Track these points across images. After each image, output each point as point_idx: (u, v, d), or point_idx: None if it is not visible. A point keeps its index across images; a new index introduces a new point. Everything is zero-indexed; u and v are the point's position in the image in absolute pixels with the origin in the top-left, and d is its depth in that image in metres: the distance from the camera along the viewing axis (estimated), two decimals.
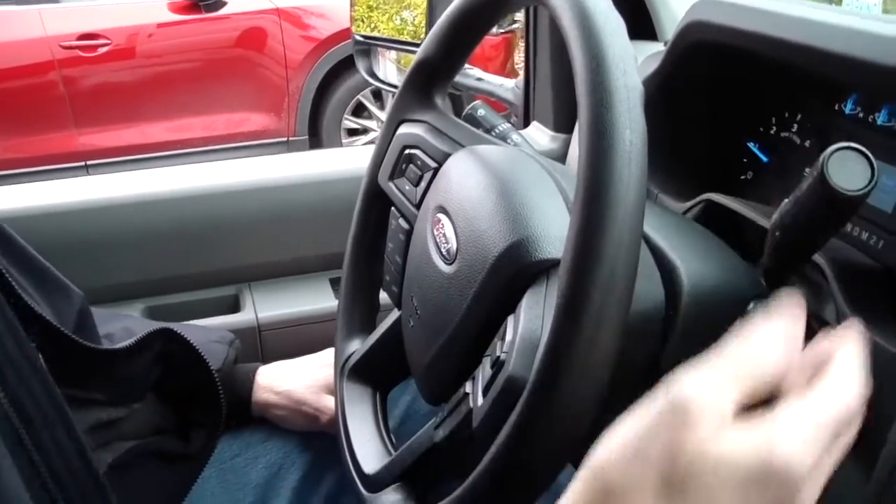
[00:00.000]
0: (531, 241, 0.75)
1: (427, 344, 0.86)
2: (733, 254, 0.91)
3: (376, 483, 0.91)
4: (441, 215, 0.87)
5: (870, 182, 0.69)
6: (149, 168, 1.67)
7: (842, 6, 1.46)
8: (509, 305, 0.75)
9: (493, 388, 0.71)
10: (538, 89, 1.71)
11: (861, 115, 1.00)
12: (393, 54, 2.02)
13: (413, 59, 1.02)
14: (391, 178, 1.03)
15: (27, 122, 5.14)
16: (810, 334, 0.83)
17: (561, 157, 1.63)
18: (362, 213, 1.09)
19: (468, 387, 0.77)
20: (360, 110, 5.79)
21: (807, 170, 0.74)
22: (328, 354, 1.19)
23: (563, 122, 1.66)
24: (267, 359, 1.26)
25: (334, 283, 1.62)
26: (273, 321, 1.55)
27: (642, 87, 0.65)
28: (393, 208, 1.02)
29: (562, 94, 1.64)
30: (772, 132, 1.14)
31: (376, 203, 1.07)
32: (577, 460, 0.72)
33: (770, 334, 0.55)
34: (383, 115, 5.37)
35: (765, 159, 1.15)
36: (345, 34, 4.98)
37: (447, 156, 0.94)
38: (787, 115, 1.11)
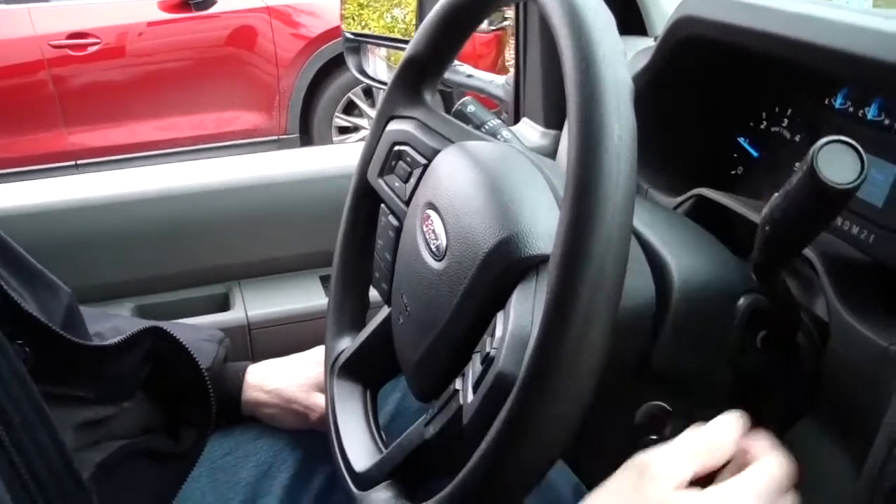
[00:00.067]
0: (521, 238, 0.75)
1: (417, 341, 0.86)
2: (724, 249, 0.91)
3: (367, 481, 0.91)
4: (430, 212, 0.87)
5: (859, 175, 0.69)
6: (139, 167, 1.66)
7: (832, 1, 1.46)
8: (499, 302, 0.75)
9: (482, 385, 0.71)
10: (528, 86, 1.71)
11: (851, 109, 1.00)
12: (383, 51, 2.02)
13: (402, 55, 1.01)
14: (381, 174, 1.03)
15: (16, 122, 5.13)
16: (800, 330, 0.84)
17: (551, 153, 1.63)
18: (352, 210, 1.09)
19: (458, 383, 0.77)
20: (350, 108, 5.79)
21: (797, 164, 0.73)
22: (318, 352, 1.19)
23: (554, 119, 1.66)
24: (257, 357, 1.26)
25: (324, 280, 1.62)
26: (263, 319, 1.54)
27: (632, 82, 0.65)
28: (382, 205, 1.02)
29: (552, 90, 1.64)
30: (762, 127, 1.14)
31: (366, 200, 1.07)
32: (567, 456, 0.72)
33: (720, 429, 0.73)
34: (374, 113, 5.38)
35: (755, 154, 1.15)
36: (335, 32, 4.97)
37: (436, 152, 0.94)
38: (777, 109, 1.11)
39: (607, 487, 0.72)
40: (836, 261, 0.91)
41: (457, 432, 0.76)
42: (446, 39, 0.97)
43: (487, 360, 0.71)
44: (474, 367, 0.74)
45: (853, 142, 0.70)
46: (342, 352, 1.07)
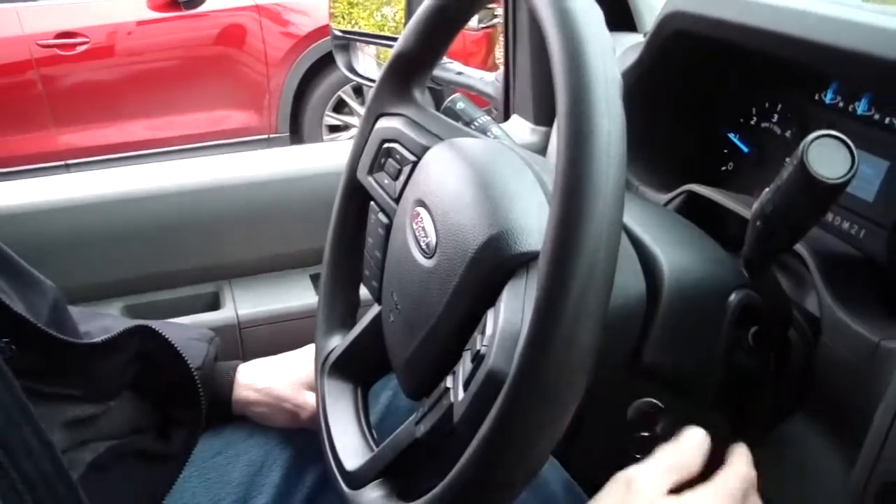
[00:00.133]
0: (511, 234, 0.75)
1: (407, 339, 0.86)
2: (715, 245, 0.91)
3: (358, 479, 0.91)
4: (420, 209, 0.86)
5: (850, 170, 0.69)
6: (128, 166, 1.65)
7: None
8: (489, 299, 0.75)
9: (473, 383, 0.71)
10: (518, 82, 1.71)
11: (841, 104, 1.00)
12: (372, 49, 2.02)
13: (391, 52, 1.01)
14: (370, 172, 1.02)
15: (5, 122, 5.10)
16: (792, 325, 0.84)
17: (541, 149, 1.62)
18: (342, 208, 1.08)
19: (449, 381, 0.76)
20: (341, 106, 5.78)
21: (787, 159, 0.73)
22: (309, 351, 1.18)
23: (544, 115, 1.66)
24: (247, 356, 1.25)
25: (315, 279, 1.62)
26: (253, 318, 1.54)
27: (621, 78, 0.65)
28: (372, 203, 1.02)
29: (542, 86, 1.64)
30: (752, 123, 1.14)
31: (355, 198, 1.06)
32: (559, 453, 0.72)
33: (690, 445, 0.80)
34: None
35: (745, 150, 1.15)
36: (325, 30, 4.93)
37: (426, 149, 0.93)
38: (767, 105, 1.11)
39: (597, 498, 0.77)
40: (827, 256, 0.91)
41: (447, 430, 0.75)
42: (435, 35, 0.96)
43: (478, 358, 0.71)
44: (465, 365, 0.73)
45: (843, 136, 0.70)
46: (333, 350, 1.07)
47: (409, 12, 1.79)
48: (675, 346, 0.81)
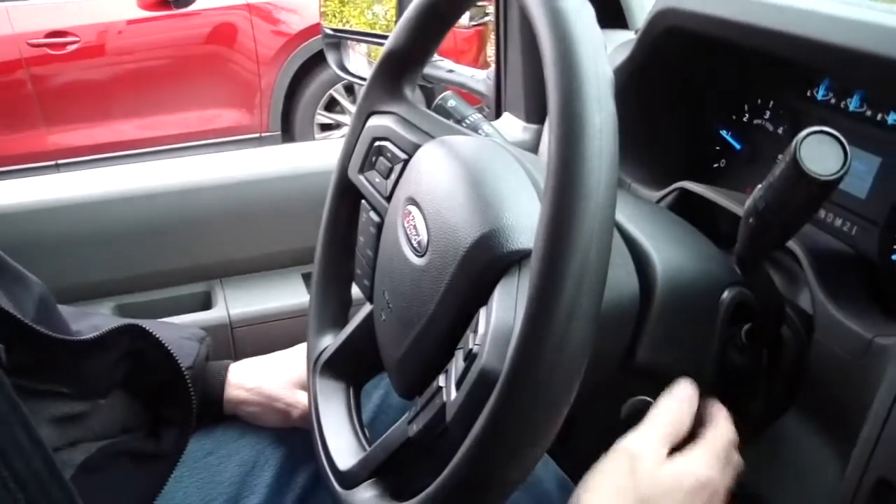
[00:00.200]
0: (502, 232, 0.74)
1: (399, 338, 0.85)
2: (707, 242, 0.91)
3: (351, 479, 0.90)
4: (411, 207, 0.86)
5: (843, 166, 0.69)
6: (119, 166, 1.65)
7: None
8: (481, 297, 0.74)
9: (466, 382, 0.70)
10: (509, 80, 1.71)
11: (833, 101, 1.00)
12: (363, 47, 2.01)
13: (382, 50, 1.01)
14: (361, 170, 1.02)
15: None
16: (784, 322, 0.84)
17: (533, 147, 1.62)
18: (333, 206, 1.08)
19: (441, 380, 0.76)
20: (332, 105, 5.78)
21: (780, 156, 0.73)
22: (301, 350, 1.18)
23: (535, 113, 1.66)
24: (239, 356, 1.25)
25: (306, 278, 1.62)
26: (245, 317, 1.54)
27: (612, 75, 0.65)
28: (363, 201, 1.01)
29: (533, 84, 1.64)
30: (744, 119, 1.14)
31: (347, 196, 1.06)
32: (552, 451, 0.71)
33: (679, 407, 0.82)
34: None
35: (738, 146, 1.15)
36: (316, 29, 4.92)
37: (417, 147, 0.93)
38: (759, 101, 1.11)
39: (601, 471, 0.78)
40: (819, 253, 0.91)
41: (440, 430, 0.75)
42: (426, 33, 0.96)
43: (470, 357, 0.71)
44: (457, 364, 0.73)
45: (836, 132, 0.70)
46: (325, 349, 1.07)
47: (399, 10, 1.78)
48: (668, 344, 0.81)
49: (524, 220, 0.75)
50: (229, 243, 1.58)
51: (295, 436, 1.15)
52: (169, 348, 1.09)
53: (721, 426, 0.83)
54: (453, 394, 0.72)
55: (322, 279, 1.09)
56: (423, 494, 0.73)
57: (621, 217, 0.84)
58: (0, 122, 5.09)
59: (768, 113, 1.10)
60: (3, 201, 1.45)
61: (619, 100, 0.64)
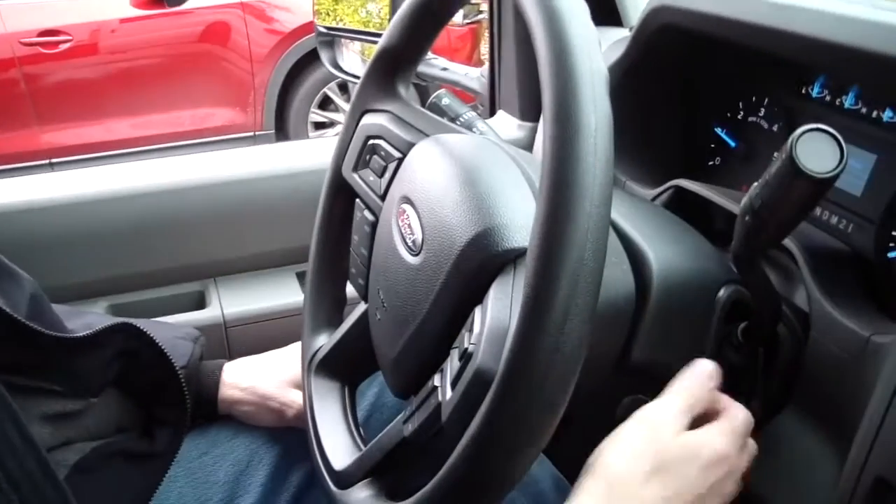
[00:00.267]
0: (497, 231, 0.74)
1: (394, 337, 0.85)
2: (703, 240, 0.91)
3: (346, 479, 0.90)
4: (406, 206, 0.86)
5: (839, 163, 0.69)
6: (112, 165, 1.64)
7: None
8: (477, 296, 0.74)
9: (461, 381, 0.70)
10: (503, 78, 1.71)
11: (828, 98, 0.99)
12: (357, 45, 2.01)
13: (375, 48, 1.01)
14: (355, 169, 1.01)
15: None
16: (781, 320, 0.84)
17: (527, 145, 1.62)
18: (327, 205, 1.08)
19: (437, 379, 0.76)
20: (326, 103, 5.77)
21: (776, 154, 0.73)
22: (295, 349, 1.18)
23: (529, 111, 1.66)
24: (233, 355, 1.25)
25: (301, 277, 1.61)
26: (239, 317, 1.53)
27: (607, 72, 0.64)
28: (358, 200, 1.01)
29: (527, 82, 1.64)
30: (739, 117, 1.14)
31: (341, 195, 1.06)
32: (548, 450, 0.71)
33: (701, 385, 0.82)
34: None
35: (733, 144, 1.15)
36: (309, 27, 4.93)
37: (411, 145, 0.93)
38: (754, 99, 1.11)
39: (619, 437, 0.78)
40: (816, 251, 0.91)
41: (436, 429, 0.75)
42: (419, 31, 0.96)
43: (466, 356, 0.71)
44: (452, 363, 0.73)
45: (832, 130, 0.69)
46: (319, 349, 1.06)
47: (393, 8, 1.78)
48: (664, 343, 0.81)
49: (519, 219, 0.75)
50: (223, 242, 1.58)
51: (290, 435, 1.14)
52: (163, 348, 1.08)
53: (739, 410, 0.83)
54: (448, 393, 0.72)
55: (316, 278, 1.09)
56: (418, 494, 0.72)
57: (617, 215, 0.84)
58: None
59: (763, 110, 1.10)
60: None
61: (613, 98, 0.64)
